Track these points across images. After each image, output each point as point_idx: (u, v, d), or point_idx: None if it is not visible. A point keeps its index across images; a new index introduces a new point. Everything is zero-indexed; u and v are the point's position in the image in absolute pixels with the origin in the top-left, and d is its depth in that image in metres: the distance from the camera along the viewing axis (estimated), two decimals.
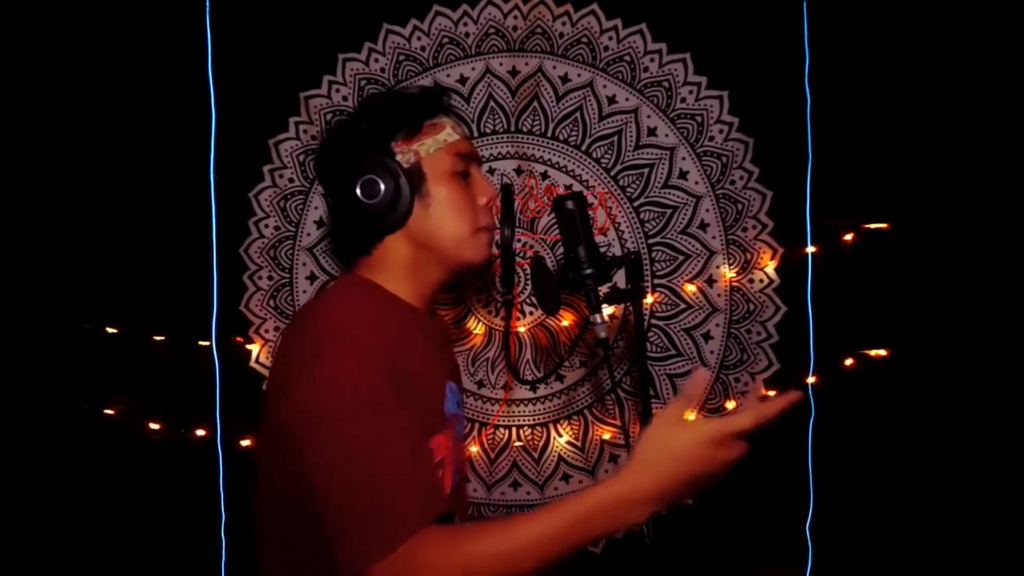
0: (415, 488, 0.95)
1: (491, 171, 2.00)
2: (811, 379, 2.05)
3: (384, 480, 0.94)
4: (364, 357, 1.03)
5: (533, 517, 0.91)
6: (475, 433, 2.05)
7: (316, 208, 1.99)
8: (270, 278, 2.00)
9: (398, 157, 1.20)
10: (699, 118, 2.02)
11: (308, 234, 1.99)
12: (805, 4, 2.00)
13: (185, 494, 1.91)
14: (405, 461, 0.97)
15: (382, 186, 1.17)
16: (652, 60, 2.01)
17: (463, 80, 1.99)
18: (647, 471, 0.91)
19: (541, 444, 2.05)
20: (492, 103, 2.00)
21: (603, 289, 1.31)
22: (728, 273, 2.05)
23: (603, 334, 1.27)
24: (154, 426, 1.96)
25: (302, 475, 1.00)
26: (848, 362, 2.09)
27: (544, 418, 2.05)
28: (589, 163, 2.02)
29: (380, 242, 1.23)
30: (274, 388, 1.11)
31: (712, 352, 2.06)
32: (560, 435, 2.05)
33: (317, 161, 1.29)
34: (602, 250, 1.34)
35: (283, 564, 1.14)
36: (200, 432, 1.94)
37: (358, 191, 1.18)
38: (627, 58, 2.00)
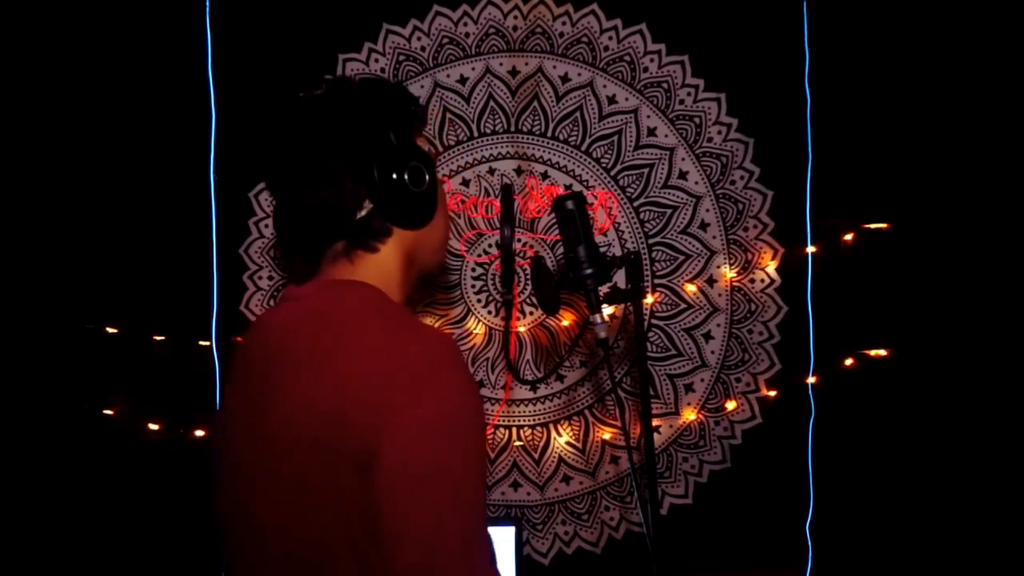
0: (488, 538, 0.93)
1: (491, 171, 2.00)
2: (811, 379, 2.05)
3: (475, 524, 0.90)
4: (473, 384, 0.97)
5: None
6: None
7: None
8: (270, 278, 2.00)
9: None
10: (697, 119, 2.02)
11: None
12: (805, 4, 2.00)
13: (185, 494, 1.91)
14: (484, 504, 0.94)
15: (427, 177, 1.08)
16: (652, 60, 2.01)
17: (463, 80, 1.99)
18: None
19: (541, 444, 2.05)
20: (492, 103, 2.00)
21: (603, 289, 1.30)
22: (729, 273, 2.05)
23: (603, 334, 1.26)
24: (154, 426, 1.96)
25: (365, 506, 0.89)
26: (848, 362, 2.09)
27: (544, 418, 2.05)
28: (589, 163, 2.02)
29: (387, 239, 1.09)
30: (332, 412, 0.92)
31: (713, 352, 2.06)
32: (560, 435, 2.05)
33: (303, 145, 1.07)
34: (602, 250, 1.34)
35: None
36: (200, 432, 1.94)
37: (407, 180, 1.05)
38: (627, 58, 2.01)
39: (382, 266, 1.09)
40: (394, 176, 1.05)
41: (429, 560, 0.85)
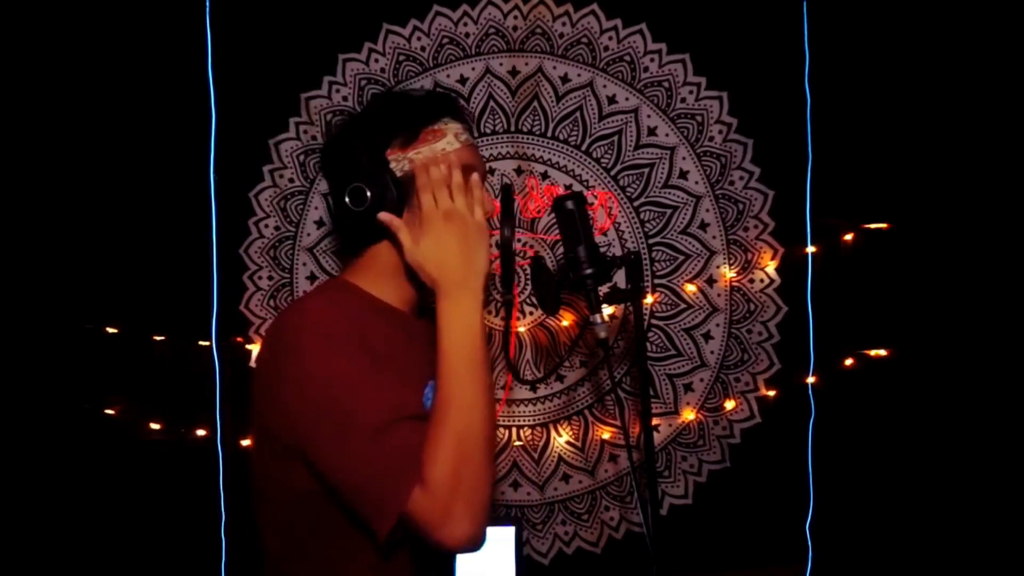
0: (407, 427, 1.01)
1: (491, 171, 2.00)
2: (811, 379, 2.05)
3: (382, 432, 1.00)
4: (339, 345, 1.07)
5: (447, 374, 1.06)
6: None
7: (316, 208, 1.99)
8: (270, 278, 2.00)
9: (392, 165, 1.18)
10: (699, 118, 2.02)
11: (308, 234, 1.99)
12: (805, 4, 2.00)
13: (185, 494, 1.91)
14: (389, 402, 1.03)
15: (368, 195, 1.16)
16: (652, 60, 2.01)
17: (463, 80, 1.99)
18: (435, 261, 1.13)
19: (541, 444, 2.05)
20: (492, 103, 2.00)
21: (603, 289, 1.30)
22: (728, 273, 2.05)
23: (603, 334, 1.26)
24: (154, 426, 1.96)
25: (306, 474, 1.06)
26: (848, 362, 2.09)
27: (544, 418, 2.05)
28: (589, 163, 2.02)
29: (369, 246, 1.24)
30: (260, 397, 1.14)
31: (712, 352, 2.06)
32: (560, 435, 2.05)
33: (320, 159, 1.32)
34: (602, 250, 1.34)
35: (291, 566, 1.15)
36: (200, 432, 1.94)
37: (346, 198, 1.18)
38: (627, 58, 2.01)
39: (370, 267, 1.23)
40: (339, 197, 1.19)
41: (354, 482, 1.01)
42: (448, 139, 1.20)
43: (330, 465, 1.02)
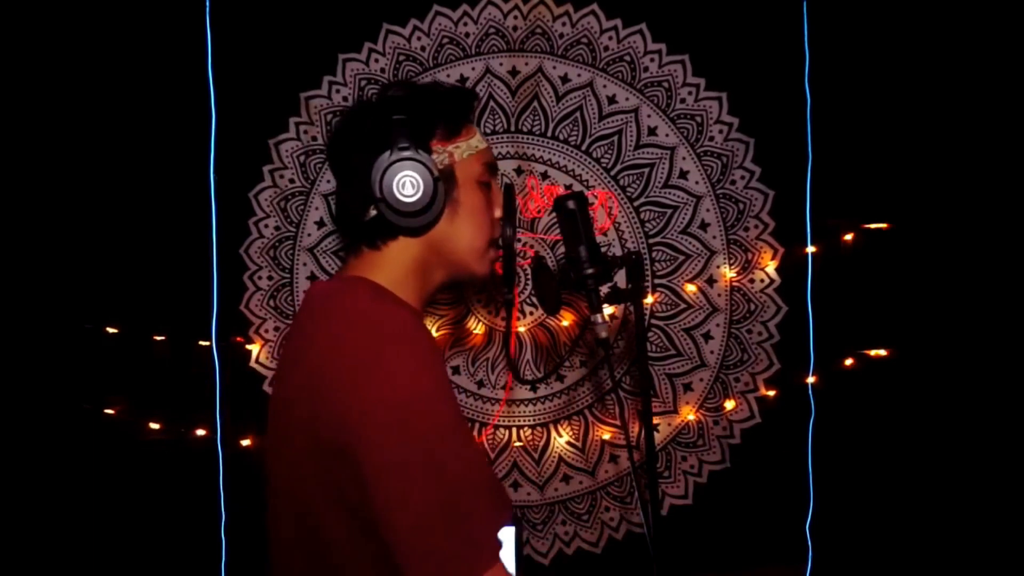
0: (492, 511, 0.94)
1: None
2: (811, 379, 2.05)
3: (467, 500, 0.92)
4: (430, 359, 0.99)
5: None
6: (475, 433, 2.05)
7: (316, 208, 1.99)
8: (270, 278, 2.00)
9: (434, 156, 1.14)
10: (699, 118, 2.02)
11: (308, 234, 1.99)
12: (805, 4, 2.00)
13: (185, 494, 1.91)
14: (480, 474, 0.95)
15: (422, 186, 1.10)
16: (652, 60, 2.01)
17: (463, 80, 1.99)
18: None
19: (541, 444, 2.05)
20: (492, 103, 2.00)
21: (604, 289, 1.30)
22: (729, 273, 2.05)
23: (604, 334, 1.26)
24: (154, 426, 1.96)
25: (353, 492, 0.97)
26: (848, 362, 2.09)
27: (544, 418, 2.05)
28: (589, 163, 2.02)
29: (394, 239, 1.17)
30: (304, 399, 1.04)
31: (712, 352, 2.06)
32: (560, 435, 2.05)
33: (336, 142, 1.19)
34: (603, 250, 1.34)
35: None
36: (200, 432, 1.94)
37: (395, 188, 1.10)
38: (627, 58, 2.01)
39: (389, 263, 1.17)
40: (371, 185, 1.11)
41: (419, 540, 0.91)
42: (478, 137, 1.20)
43: (392, 503, 0.92)
